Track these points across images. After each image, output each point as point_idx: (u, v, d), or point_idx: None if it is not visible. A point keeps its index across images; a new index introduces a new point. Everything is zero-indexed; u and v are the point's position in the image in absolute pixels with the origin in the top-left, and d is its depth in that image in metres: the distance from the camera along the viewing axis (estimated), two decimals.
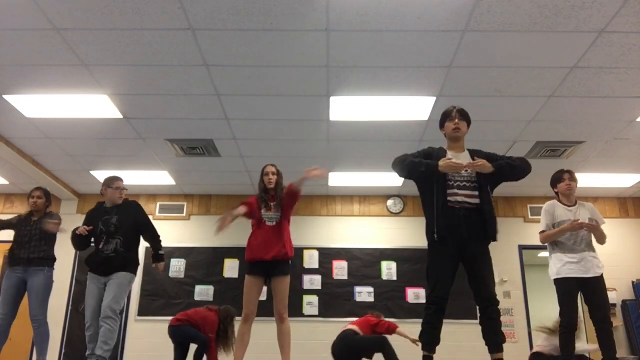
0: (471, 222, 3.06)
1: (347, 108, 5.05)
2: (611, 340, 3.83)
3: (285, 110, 5.13)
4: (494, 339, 2.97)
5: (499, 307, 3.01)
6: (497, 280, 6.07)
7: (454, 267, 3.10)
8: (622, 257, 7.39)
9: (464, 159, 3.18)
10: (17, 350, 7.02)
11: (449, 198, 3.07)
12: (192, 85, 4.65)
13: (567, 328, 3.93)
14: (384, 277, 7.29)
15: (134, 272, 4.27)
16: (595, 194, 7.65)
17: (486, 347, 3.01)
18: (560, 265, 3.99)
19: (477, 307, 3.08)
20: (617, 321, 7.11)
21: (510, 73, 4.41)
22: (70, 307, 7.32)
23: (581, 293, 3.99)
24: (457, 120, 3.24)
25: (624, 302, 7.20)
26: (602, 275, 3.96)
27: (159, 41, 3.97)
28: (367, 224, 7.62)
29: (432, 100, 4.87)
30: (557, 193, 4.27)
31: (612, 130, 5.46)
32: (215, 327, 5.51)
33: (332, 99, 4.87)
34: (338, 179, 7.07)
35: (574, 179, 4.18)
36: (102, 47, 4.05)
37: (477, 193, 3.12)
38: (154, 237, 4.38)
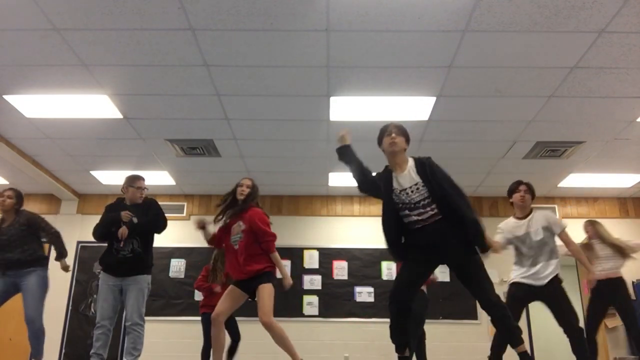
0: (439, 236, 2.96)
1: (347, 108, 5.05)
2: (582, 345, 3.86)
3: (285, 110, 5.13)
4: (509, 336, 3.01)
5: (502, 304, 2.97)
6: (497, 280, 6.06)
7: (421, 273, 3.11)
8: None
9: (408, 176, 3.07)
10: (17, 350, 7.02)
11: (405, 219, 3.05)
12: (192, 85, 4.65)
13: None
14: (384, 277, 7.30)
15: (150, 273, 4.26)
16: (595, 194, 7.66)
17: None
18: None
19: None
20: (617, 321, 7.11)
21: (510, 73, 4.41)
22: (70, 307, 7.31)
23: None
24: (393, 134, 3.15)
25: None
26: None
27: (159, 41, 3.97)
28: (367, 224, 7.62)
29: (432, 100, 4.87)
30: (511, 203, 4.20)
31: (612, 130, 5.46)
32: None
33: (332, 99, 4.87)
34: (338, 179, 7.06)
35: (529, 192, 4.09)
36: (102, 47, 4.05)
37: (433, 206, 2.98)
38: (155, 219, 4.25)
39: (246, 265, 3.81)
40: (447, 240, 2.93)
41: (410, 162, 3.15)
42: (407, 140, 3.20)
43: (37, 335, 4.41)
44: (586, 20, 3.67)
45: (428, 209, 2.96)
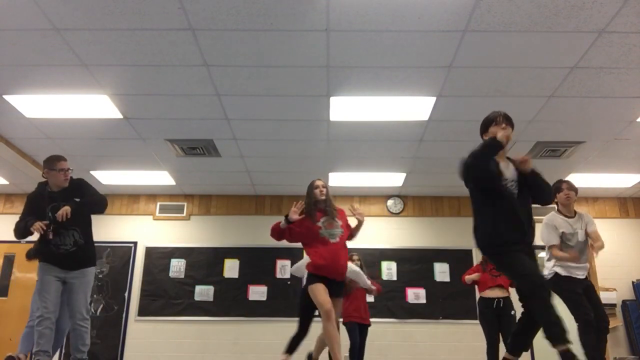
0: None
1: (347, 108, 5.05)
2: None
3: (285, 110, 5.13)
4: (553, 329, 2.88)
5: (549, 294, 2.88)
6: None
7: None
8: (622, 257, 7.39)
9: (510, 166, 3.14)
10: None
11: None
12: (192, 85, 4.64)
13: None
14: (384, 277, 7.28)
15: (95, 264, 4.04)
16: (595, 194, 7.65)
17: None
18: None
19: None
20: (617, 321, 7.11)
21: (510, 73, 4.41)
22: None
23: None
24: (504, 125, 3.11)
25: (623, 302, 7.20)
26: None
27: (159, 41, 3.97)
28: (367, 224, 7.57)
29: (432, 100, 4.87)
30: (556, 203, 4.36)
31: (612, 130, 5.46)
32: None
33: (332, 99, 4.87)
34: (338, 179, 7.06)
35: (572, 188, 4.30)
36: (102, 47, 4.05)
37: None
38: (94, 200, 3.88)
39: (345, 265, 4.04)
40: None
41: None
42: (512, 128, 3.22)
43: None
44: (586, 20, 3.67)
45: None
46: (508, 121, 3.15)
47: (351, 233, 4.25)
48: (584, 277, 4.16)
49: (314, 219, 4.01)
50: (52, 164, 3.84)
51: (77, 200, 3.75)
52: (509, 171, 3.12)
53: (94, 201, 3.86)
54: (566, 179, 4.38)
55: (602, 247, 4.17)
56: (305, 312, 4.01)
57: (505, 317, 5.31)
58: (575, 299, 3.98)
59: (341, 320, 5.23)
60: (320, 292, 3.81)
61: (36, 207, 3.84)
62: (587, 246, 4.23)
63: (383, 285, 7.24)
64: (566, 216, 4.28)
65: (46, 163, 3.87)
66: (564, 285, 4.06)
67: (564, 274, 4.13)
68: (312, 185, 4.14)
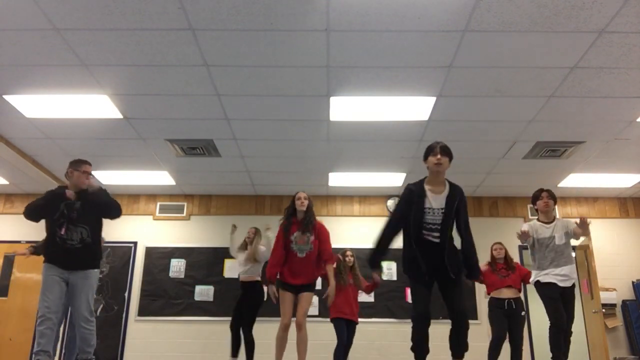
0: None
1: (347, 108, 5.05)
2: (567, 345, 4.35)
3: (285, 110, 5.13)
4: (462, 344, 3.35)
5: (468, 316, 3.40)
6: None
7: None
8: (622, 257, 7.39)
9: (442, 199, 3.33)
10: (17, 350, 7.02)
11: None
12: (192, 85, 4.64)
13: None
14: (384, 277, 7.28)
15: (99, 267, 4.05)
16: (595, 194, 7.66)
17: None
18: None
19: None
20: (617, 321, 7.12)
21: (510, 73, 4.41)
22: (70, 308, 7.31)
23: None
24: (439, 156, 3.32)
25: (624, 302, 7.20)
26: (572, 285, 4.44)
27: (159, 41, 3.97)
28: (367, 224, 7.61)
29: (432, 100, 4.87)
30: (536, 210, 4.69)
31: (612, 130, 5.46)
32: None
33: (332, 99, 4.86)
34: (338, 179, 7.07)
35: (551, 197, 4.59)
36: (102, 47, 4.05)
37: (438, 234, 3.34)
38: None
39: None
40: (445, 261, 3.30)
41: (446, 188, 3.39)
42: (450, 160, 3.41)
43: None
44: (586, 20, 3.67)
45: (436, 233, 3.30)
46: (444, 152, 3.34)
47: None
48: (567, 284, 4.38)
49: (288, 232, 4.29)
50: (77, 165, 4.02)
51: (104, 188, 3.96)
52: (436, 201, 3.32)
53: (113, 201, 4.04)
54: (546, 188, 4.69)
55: (584, 233, 4.40)
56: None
57: (515, 317, 5.30)
58: (550, 304, 4.33)
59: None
60: (283, 304, 4.21)
61: (51, 202, 3.91)
62: (567, 249, 4.45)
63: (383, 284, 7.25)
64: (545, 222, 4.54)
65: (72, 164, 4.05)
66: (544, 290, 4.41)
67: (544, 281, 4.40)
68: (295, 196, 4.38)
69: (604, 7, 3.53)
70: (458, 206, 3.33)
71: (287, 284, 4.25)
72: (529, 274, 5.51)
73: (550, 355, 4.33)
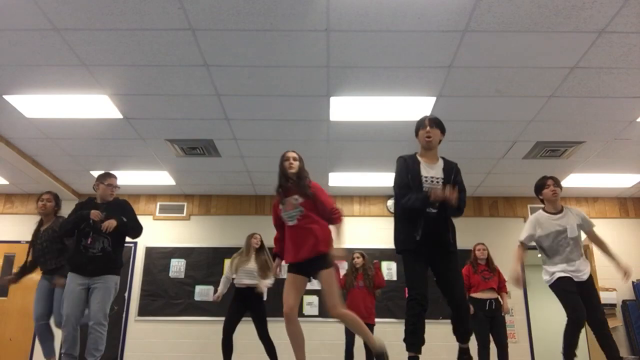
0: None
1: (347, 108, 5.05)
2: (610, 340, 3.81)
3: (285, 110, 5.13)
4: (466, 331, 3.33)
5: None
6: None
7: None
8: (622, 257, 7.35)
9: (438, 168, 3.26)
10: (17, 350, 7.02)
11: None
12: (192, 85, 4.65)
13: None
14: (384, 277, 7.28)
15: (119, 274, 4.20)
16: (595, 194, 7.66)
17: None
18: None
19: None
20: (617, 321, 7.12)
21: (510, 73, 4.41)
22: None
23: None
24: (428, 128, 3.26)
25: (624, 302, 7.21)
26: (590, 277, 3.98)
27: (159, 41, 3.97)
28: (367, 224, 7.62)
29: (432, 100, 4.87)
30: (542, 200, 4.19)
31: (612, 130, 5.46)
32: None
33: (332, 99, 4.87)
34: (338, 179, 7.07)
35: (558, 185, 4.11)
36: (102, 47, 4.05)
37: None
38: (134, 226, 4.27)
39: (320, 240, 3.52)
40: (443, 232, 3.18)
41: (440, 160, 3.32)
42: (443, 132, 3.34)
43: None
44: (586, 20, 3.67)
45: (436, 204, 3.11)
46: (434, 123, 3.27)
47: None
48: (583, 278, 3.94)
49: (281, 199, 3.63)
50: (103, 179, 4.25)
51: (124, 219, 4.10)
52: (432, 170, 3.24)
53: (134, 227, 4.24)
54: (551, 175, 4.22)
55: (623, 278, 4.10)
56: None
57: (497, 318, 5.35)
58: (566, 297, 3.88)
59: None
60: (285, 290, 3.47)
61: (81, 219, 4.11)
62: (579, 242, 4.02)
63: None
64: (552, 213, 4.08)
65: (98, 177, 4.28)
66: (558, 284, 3.97)
67: (558, 276, 3.98)
68: (282, 157, 3.70)
69: (604, 7, 3.53)
70: (456, 177, 3.23)
71: (290, 265, 3.54)
72: (505, 283, 5.54)
73: (562, 352, 3.87)
